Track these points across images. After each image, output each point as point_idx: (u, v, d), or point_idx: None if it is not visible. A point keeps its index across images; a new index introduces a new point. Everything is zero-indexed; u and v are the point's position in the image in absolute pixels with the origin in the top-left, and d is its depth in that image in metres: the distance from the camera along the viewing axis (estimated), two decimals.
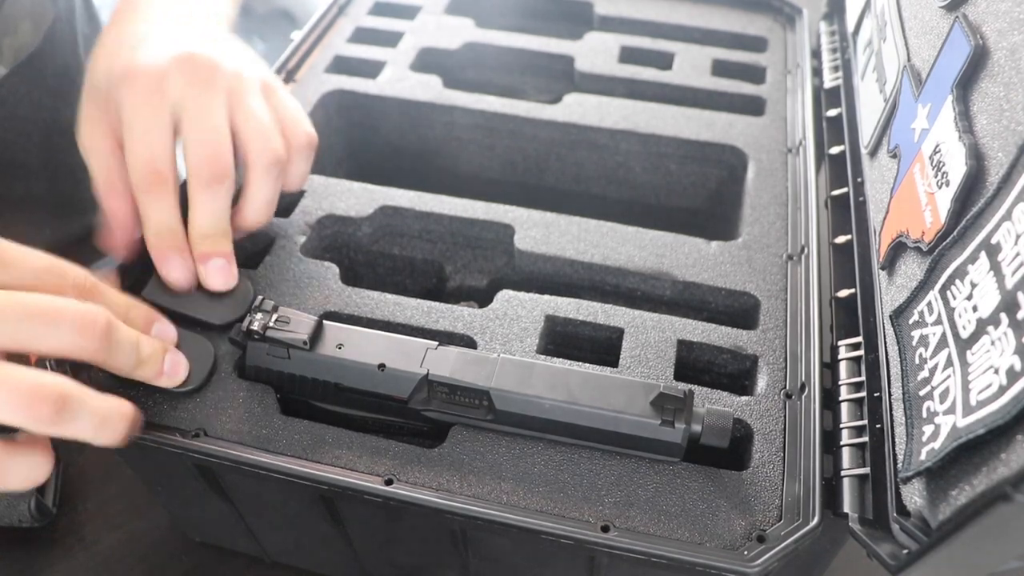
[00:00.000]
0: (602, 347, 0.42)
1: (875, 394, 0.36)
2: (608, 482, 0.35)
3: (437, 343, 0.37)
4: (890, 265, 0.37)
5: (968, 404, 0.26)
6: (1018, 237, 0.26)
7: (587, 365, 0.39)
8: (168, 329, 0.38)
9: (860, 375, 0.38)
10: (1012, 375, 0.24)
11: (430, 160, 0.61)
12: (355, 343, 0.37)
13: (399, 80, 0.57)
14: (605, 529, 0.33)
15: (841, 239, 0.45)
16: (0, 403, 0.29)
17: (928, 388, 0.30)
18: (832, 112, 0.54)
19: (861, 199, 0.45)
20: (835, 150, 0.50)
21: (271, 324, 0.37)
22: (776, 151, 0.52)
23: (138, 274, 0.42)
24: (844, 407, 0.37)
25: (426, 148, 0.60)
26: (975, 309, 0.28)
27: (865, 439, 0.35)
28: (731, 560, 0.32)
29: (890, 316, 0.35)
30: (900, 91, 0.41)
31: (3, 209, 0.60)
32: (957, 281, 0.30)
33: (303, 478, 0.35)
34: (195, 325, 0.39)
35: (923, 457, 0.28)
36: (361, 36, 0.62)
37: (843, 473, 0.34)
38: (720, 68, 0.60)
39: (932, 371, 0.30)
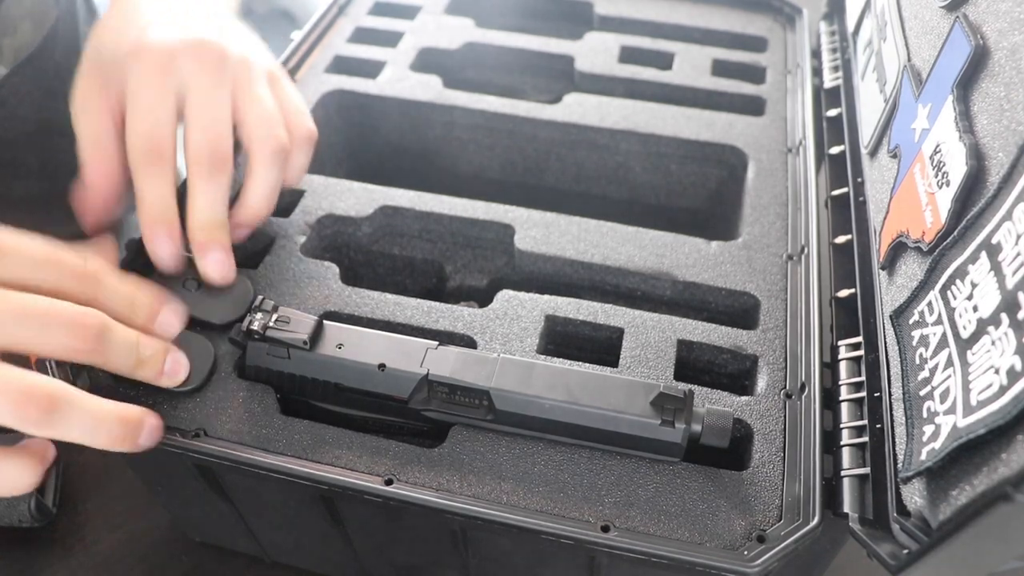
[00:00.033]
0: (602, 347, 0.42)
1: (875, 394, 0.36)
2: (608, 482, 0.35)
3: (437, 343, 0.37)
4: (890, 265, 0.37)
5: (968, 404, 0.26)
6: (1019, 237, 0.26)
7: (587, 365, 0.39)
8: (177, 314, 0.37)
9: (860, 375, 0.38)
10: (1012, 375, 0.24)
11: (430, 160, 0.61)
12: (355, 343, 0.37)
13: (399, 80, 0.57)
14: (605, 529, 0.33)
15: (841, 239, 0.45)
16: None
17: (928, 388, 0.30)
18: (832, 112, 0.54)
19: (861, 199, 0.45)
20: (835, 150, 0.50)
21: (271, 324, 0.37)
22: (776, 151, 0.52)
23: (139, 274, 0.42)
24: (844, 407, 0.37)
25: (426, 148, 0.60)
26: (975, 309, 0.28)
27: (865, 439, 0.35)
28: (731, 560, 0.32)
29: (890, 316, 0.35)
30: (900, 91, 0.41)
31: (3, 209, 0.59)
32: (957, 281, 0.30)
33: (303, 478, 0.35)
34: (195, 325, 0.39)
35: (923, 457, 0.28)
36: (361, 36, 0.62)
37: (843, 473, 0.34)
38: (720, 68, 0.60)
39: (932, 371, 0.30)
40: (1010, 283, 0.26)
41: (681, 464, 0.35)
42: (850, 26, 0.56)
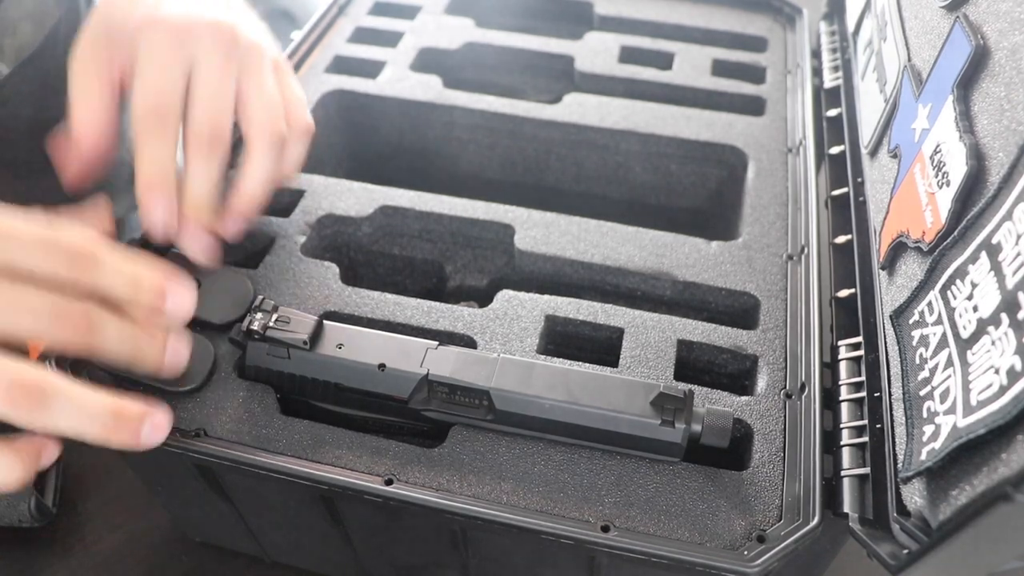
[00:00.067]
0: (602, 347, 0.42)
1: (875, 394, 0.36)
2: (608, 482, 0.35)
3: (437, 343, 0.37)
4: (890, 265, 0.37)
5: (968, 404, 0.26)
6: (1019, 237, 0.26)
7: (587, 365, 0.39)
8: (186, 290, 0.34)
9: (860, 375, 0.38)
10: (1013, 375, 0.24)
11: (430, 160, 0.61)
12: (355, 343, 0.37)
13: (399, 80, 0.57)
14: (605, 529, 0.33)
15: (841, 239, 0.45)
16: None
17: (928, 388, 0.30)
18: (832, 112, 0.54)
19: (861, 199, 0.45)
20: (835, 150, 0.50)
21: (271, 324, 0.37)
22: (776, 151, 0.52)
23: None
24: (844, 407, 0.37)
25: (426, 148, 0.60)
26: (975, 309, 0.28)
27: (865, 439, 0.35)
28: (731, 560, 0.32)
29: (890, 316, 0.35)
30: (900, 91, 0.41)
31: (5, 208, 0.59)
32: (958, 281, 0.30)
33: (303, 478, 0.35)
34: (195, 325, 0.39)
35: (923, 457, 0.28)
36: (361, 36, 0.62)
37: (843, 473, 0.34)
38: (720, 68, 0.60)
39: (932, 371, 0.30)
40: (1010, 283, 0.26)
41: (681, 464, 0.35)
42: (850, 26, 0.56)
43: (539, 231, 0.46)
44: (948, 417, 0.27)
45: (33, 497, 0.46)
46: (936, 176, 0.33)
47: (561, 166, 0.58)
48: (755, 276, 0.44)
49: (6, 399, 0.29)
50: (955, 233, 0.30)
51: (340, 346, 0.37)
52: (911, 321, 0.33)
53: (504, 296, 0.42)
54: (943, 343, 0.30)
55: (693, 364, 0.41)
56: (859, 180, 0.46)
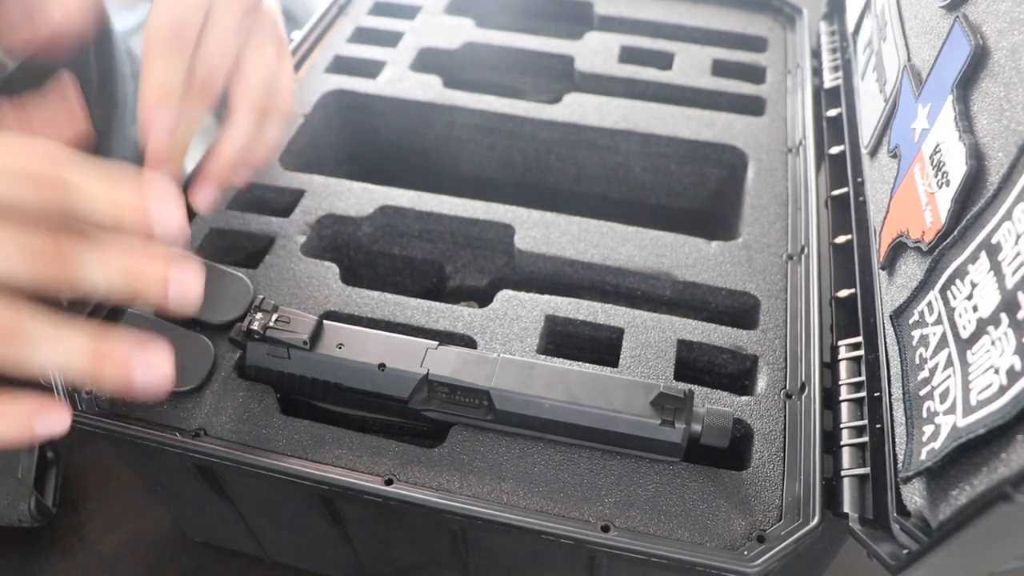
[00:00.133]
0: (602, 347, 0.42)
1: (875, 394, 0.36)
2: (608, 482, 0.35)
3: (437, 343, 0.37)
4: (890, 265, 0.37)
5: (968, 404, 0.26)
6: (1018, 237, 0.26)
7: (587, 365, 0.39)
8: (171, 212, 0.29)
9: (860, 375, 0.38)
10: (1012, 375, 0.24)
11: (430, 160, 0.61)
12: (355, 343, 0.37)
13: (399, 80, 0.57)
14: (605, 529, 0.33)
15: (841, 239, 0.45)
16: None
17: (928, 388, 0.30)
18: (832, 112, 0.54)
19: (861, 199, 0.45)
20: (835, 150, 0.50)
21: (271, 324, 0.37)
22: (776, 151, 0.52)
23: None
24: (844, 407, 0.37)
25: (426, 148, 0.60)
26: (975, 309, 0.28)
27: (865, 439, 0.35)
28: (731, 560, 0.32)
29: (890, 316, 0.35)
30: (900, 91, 0.41)
31: None
32: (957, 281, 0.30)
33: (303, 478, 0.35)
34: (195, 325, 0.39)
35: (923, 457, 0.28)
36: (361, 36, 0.62)
37: (843, 473, 0.34)
38: (720, 68, 0.60)
39: (932, 371, 0.30)
40: (1010, 283, 0.26)
41: (681, 464, 0.35)
42: (850, 26, 0.56)
43: (539, 231, 0.46)
44: (948, 417, 0.27)
45: (33, 497, 0.46)
46: (936, 176, 0.33)
47: (561, 166, 0.58)
48: (755, 276, 0.44)
49: None
50: (955, 233, 0.30)
51: (340, 346, 0.37)
52: (911, 321, 0.33)
53: (504, 296, 0.42)
54: (943, 343, 0.30)
55: (693, 364, 0.41)
56: (859, 180, 0.46)
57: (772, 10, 0.65)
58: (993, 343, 0.26)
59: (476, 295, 0.49)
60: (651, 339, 0.40)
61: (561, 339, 0.43)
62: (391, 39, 0.61)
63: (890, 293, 0.37)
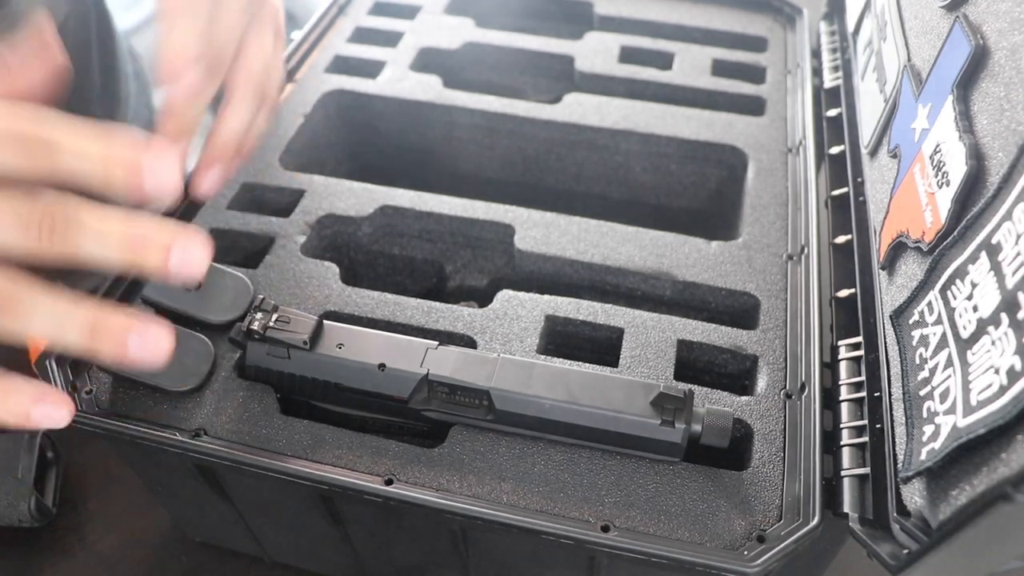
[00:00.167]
0: (602, 347, 0.42)
1: (875, 394, 0.36)
2: (608, 482, 0.35)
3: (437, 343, 0.37)
4: (890, 265, 0.37)
5: (968, 404, 0.26)
6: (1018, 237, 0.26)
7: (587, 365, 0.39)
8: (165, 168, 0.27)
9: (860, 375, 0.38)
10: (1012, 375, 0.24)
11: (430, 160, 0.61)
12: (355, 343, 0.37)
13: (399, 80, 0.57)
14: (605, 529, 0.33)
15: (841, 239, 0.45)
16: None
17: (928, 388, 0.30)
18: (832, 112, 0.54)
19: (861, 199, 0.45)
20: (835, 150, 0.50)
21: (271, 324, 0.37)
22: (776, 151, 0.52)
23: (136, 275, 0.42)
24: (844, 407, 0.37)
25: (426, 148, 0.60)
26: (975, 309, 0.28)
27: (865, 439, 0.35)
28: (731, 560, 0.32)
29: (890, 316, 0.35)
30: (900, 91, 0.41)
31: None
32: (957, 281, 0.30)
33: (303, 478, 0.35)
34: (195, 325, 0.39)
35: (923, 457, 0.28)
36: (361, 36, 0.62)
37: (843, 473, 0.34)
38: (720, 68, 0.60)
39: (932, 371, 0.30)
40: (1010, 283, 0.26)
41: (681, 464, 0.35)
42: (850, 26, 0.56)
43: (539, 231, 0.46)
44: (948, 417, 0.27)
45: (33, 497, 0.46)
46: (936, 176, 0.33)
47: (561, 166, 0.58)
48: (755, 276, 0.44)
49: None
50: (955, 233, 0.30)
51: (340, 346, 0.37)
52: (911, 321, 0.33)
53: (504, 296, 0.42)
54: (943, 343, 0.30)
55: (693, 364, 0.41)
56: (859, 180, 0.46)
57: (772, 10, 0.65)
58: (993, 343, 0.26)
59: (476, 295, 0.49)
60: (651, 339, 0.40)
61: (561, 339, 0.43)
62: (391, 39, 0.61)
63: (890, 293, 0.37)
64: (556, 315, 0.42)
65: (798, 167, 0.51)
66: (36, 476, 0.47)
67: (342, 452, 0.36)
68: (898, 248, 0.36)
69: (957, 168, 0.31)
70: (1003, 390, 0.24)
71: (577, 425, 0.35)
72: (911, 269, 0.35)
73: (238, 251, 0.46)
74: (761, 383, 0.39)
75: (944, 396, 0.28)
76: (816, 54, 0.61)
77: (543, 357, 0.39)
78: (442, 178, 0.61)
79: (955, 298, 0.29)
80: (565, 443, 0.36)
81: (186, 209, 0.46)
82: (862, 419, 0.36)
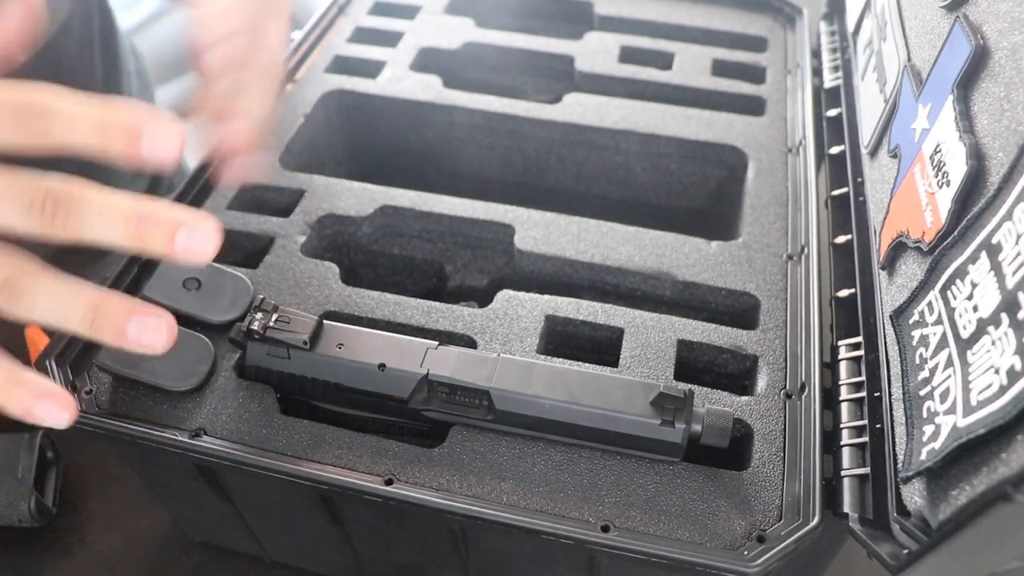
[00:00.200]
0: (602, 347, 0.42)
1: (875, 394, 0.36)
2: (608, 482, 0.35)
3: (437, 343, 0.37)
4: (890, 265, 0.37)
5: (968, 404, 0.26)
6: (1019, 237, 0.26)
7: (587, 365, 0.39)
8: (164, 132, 0.26)
9: (860, 375, 0.38)
10: (1013, 375, 0.24)
11: (430, 160, 0.61)
12: (355, 343, 0.37)
13: (399, 80, 0.57)
14: (605, 529, 0.33)
15: (841, 239, 0.45)
16: None
17: (928, 388, 0.30)
18: (832, 112, 0.54)
19: (861, 199, 0.45)
20: (835, 150, 0.50)
21: (271, 324, 0.37)
22: (776, 151, 0.52)
23: (138, 274, 0.42)
24: (844, 407, 0.37)
25: (426, 148, 0.60)
26: (975, 309, 0.28)
27: (865, 439, 0.35)
28: (731, 560, 0.32)
29: (890, 316, 0.35)
30: (900, 91, 0.41)
31: None
32: (957, 281, 0.30)
33: (303, 478, 0.35)
34: (195, 325, 0.39)
35: (923, 457, 0.28)
36: (361, 36, 0.62)
37: (843, 473, 0.34)
38: (720, 68, 0.60)
39: (932, 371, 0.30)
40: (1010, 283, 0.26)
41: (681, 464, 0.35)
42: (850, 26, 0.56)
43: (539, 231, 0.46)
44: (948, 417, 0.27)
45: (33, 497, 0.46)
46: (936, 176, 0.33)
47: (561, 166, 0.58)
48: (755, 276, 0.44)
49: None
50: (955, 233, 0.30)
51: (340, 346, 0.37)
52: (911, 321, 0.33)
53: (504, 296, 0.42)
54: (943, 343, 0.30)
55: (693, 364, 0.41)
56: (859, 180, 0.46)
57: (772, 10, 0.65)
58: (993, 343, 0.26)
59: (476, 295, 0.49)
60: (651, 339, 0.40)
61: (561, 339, 0.42)
62: (391, 39, 0.61)
63: (890, 293, 0.37)
64: (556, 315, 0.42)
65: (798, 167, 0.51)
66: (36, 476, 0.47)
67: (342, 452, 0.36)
68: (898, 248, 0.36)
69: (957, 168, 0.31)
70: (1003, 390, 0.24)
71: (577, 425, 0.35)
72: (911, 269, 0.35)
73: (238, 251, 0.46)
74: (761, 383, 0.39)
75: (944, 396, 0.28)
76: (816, 54, 0.61)
77: (543, 357, 0.39)
78: (442, 178, 0.61)
79: (955, 298, 0.29)
80: (565, 443, 0.36)
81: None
82: (862, 419, 0.36)
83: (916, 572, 0.28)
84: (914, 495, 0.29)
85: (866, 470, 0.34)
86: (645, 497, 0.34)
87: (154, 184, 0.71)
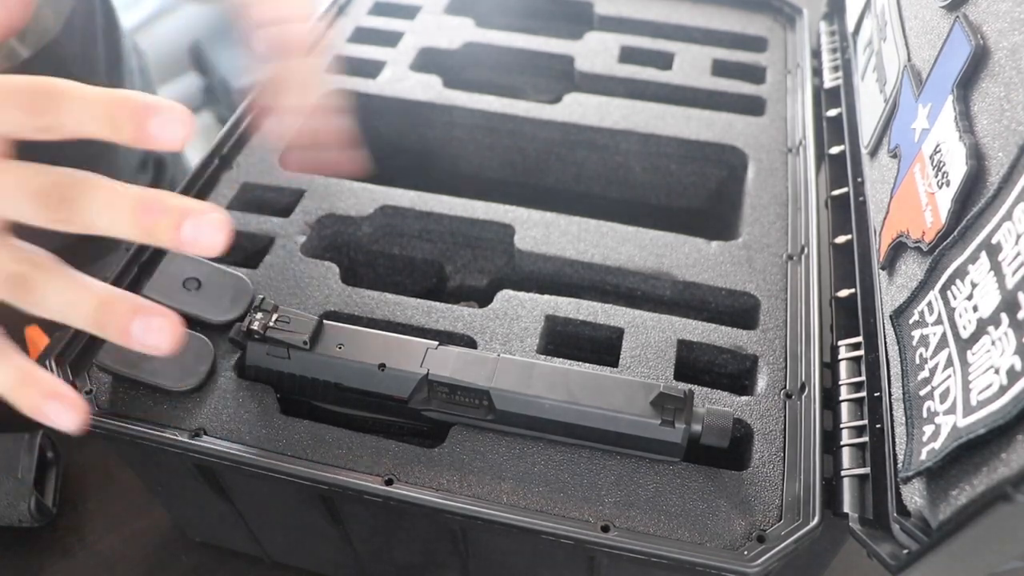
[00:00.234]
0: (602, 347, 0.42)
1: (875, 394, 0.36)
2: (608, 482, 0.35)
3: (437, 343, 0.37)
4: (890, 265, 0.37)
5: (968, 404, 0.26)
6: (1019, 237, 0.26)
7: (587, 365, 0.39)
8: (172, 113, 0.26)
9: (860, 375, 0.38)
10: (1012, 375, 0.24)
11: (430, 160, 0.61)
12: (355, 343, 0.37)
13: (399, 80, 0.57)
14: (605, 529, 0.33)
15: (841, 239, 0.45)
16: None
17: (928, 388, 0.30)
18: (832, 112, 0.54)
19: (861, 199, 0.45)
20: (835, 150, 0.50)
21: (271, 324, 0.37)
22: (776, 151, 0.52)
23: (138, 273, 0.42)
24: (844, 407, 0.37)
25: (426, 148, 0.60)
26: (975, 309, 0.28)
27: (865, 439, 0.35)
28: (731, 560, 0.32)
29: (890, 316, 0.35)
30: (900, 91, 0.41)
31: None
32: (957, 281, 0.30)
33: (303, 478, 0.35)
34: (195, 325, 0.39)
35: (923, 457, 0.28)
36: (361, 36, 0.62)
37: (843, 473, 0.34)
38: (720, 68, 0.60)
39: (932, 371, 0.30)
40: (1010, 283, 0.26)
41: (681, 464, 0.35)
42: (850, 26, 0.56)
43: (539, 231, 0.46)
44: (948, 417, 0.27)
45: (33, 497, 0.46)
46: (936, 176, 0.33)
47: (561, 166, 0.58)
48: (755, 276, 0.44)
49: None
50: (955, 233, 0.30)
51: (340, 346, 0.37)
52: (911, 321, 0.33)
53: (504, 296, 0.42)
54: (943, 343, 0.30)
55: (693, 364, 0.41)
56: (859, 180, 0.46)
57: (772, 10, 0.65)
58: (993, 343, 0.26)
59: (476, 295, 0.49)
60: (651, 339, 0.40)
61: (561, 339, 0.43)
62: (391, 39, 0.61)
63: (890, 293, 0.37)
64: (556, 315, 0.42)
65: (798, 167, 0.51)
66: (36, 476, 0.47)
67: (342, 452, 0.36)
68: (898, 248, 0.36)
69: (957, 168, 0.31)
70: (1003, 390, 0.24)
71: (577, 425, 0.35)
72: (911, 269, 0.35)
73: (238, 251, 0.46)
74: (761, 383, 0.39)
75: (944, 396, 0.28)
76: (816, 54, 0.61)
77: (543, 357, 0.39)
78: (442, 178, 0.61)
79: (955, 298, 0.29)
80: (565, 443, 0.36)
81: None
82: (862, 419, 0.36)
83: (916, 572, 0.28)
84: (914, 495, 0.29)
85: (866, 470, 0.34)
86: (645, 497, 0.34)
87: (156, 181, 0.71)
